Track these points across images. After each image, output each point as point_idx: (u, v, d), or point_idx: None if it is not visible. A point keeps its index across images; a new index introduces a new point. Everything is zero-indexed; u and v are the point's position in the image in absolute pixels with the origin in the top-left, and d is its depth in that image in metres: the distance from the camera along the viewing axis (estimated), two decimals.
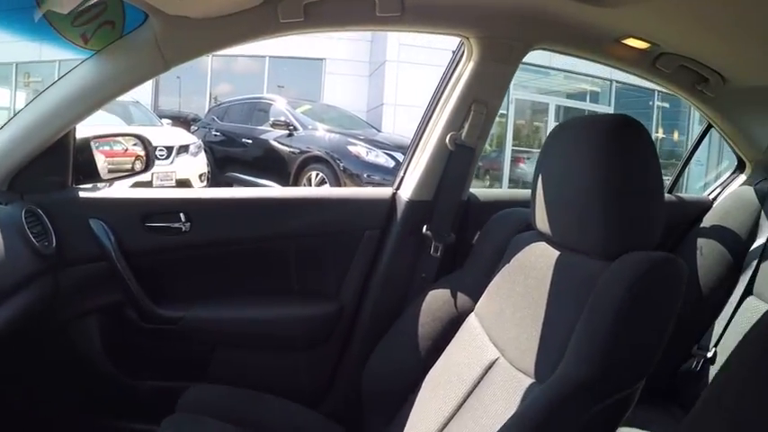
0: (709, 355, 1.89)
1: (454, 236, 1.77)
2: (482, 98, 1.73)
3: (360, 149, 6.98)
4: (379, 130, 8.83)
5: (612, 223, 1.08)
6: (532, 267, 1.27)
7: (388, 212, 1.82)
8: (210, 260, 1.72)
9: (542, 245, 1.29)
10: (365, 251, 1.79)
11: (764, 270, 1.89)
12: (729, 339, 1.88)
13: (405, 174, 1.87)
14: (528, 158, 11.74)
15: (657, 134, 12.42)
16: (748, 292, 1.91)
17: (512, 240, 1.41)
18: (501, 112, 1.85)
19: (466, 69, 1.73)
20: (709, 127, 2.14)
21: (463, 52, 1.74)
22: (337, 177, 6.86)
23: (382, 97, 11.33)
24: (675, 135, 12.79)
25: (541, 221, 1.25)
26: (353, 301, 1.80)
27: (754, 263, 1.91)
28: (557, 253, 1.23)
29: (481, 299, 1.41)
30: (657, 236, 1.11)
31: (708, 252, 2.00)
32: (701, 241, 2.04)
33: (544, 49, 1.76)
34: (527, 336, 1.18)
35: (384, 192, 1.87)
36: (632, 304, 0.99)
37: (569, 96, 12.65)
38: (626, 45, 1.69)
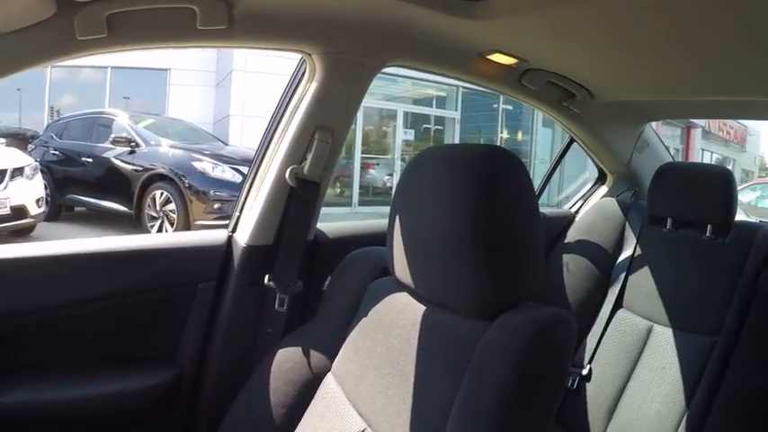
0: (585, 372, 1.84)
1: (301, 283, 1.51)
2: (327, 124, 1.48)
3: (205, 165, 6.61)
4: (225, 144, 8.45)
5: (486, 276, 0.91)
6: (395, 324, 1.07)
7: (224, 260, 1.53)
8: (12, 335, 1.33)
9: (404, 296, 1.08)
10: (201, 307, 1.49)
11: (633, 283, 1.88)
12: (603, 354, 1.85)
13: (240, 214, 1.58)
14: (377, 164, 11.83)
15: (502, 135, 13.07)
16: (618, 305, 1.89)
17: (369, 287, 1.19)
18: None
19: (308, 91, 1.46)
20: (571, 141, 2.11)
21: (304, 71, 1.46)
22: (183, 196, 6.38)
23: (229, 108, 10.80)
24: (519, 135, 13.52)
25: (401, 270, 1.04)
26: (192, 366, 1.49)
27: (622, 276, 1.90)
28: (422, 308, 1.04)
29: (338, 356, 1.18)
30: (538, 281, 0.96)
31: (574, 268, 1.96)
32: (566, 257, 1.99)
33: (399, 65, 1.56)
34: (396, 408, 0.98)
35: (218, 236, 1.56)
36: (520, 383, 0.83)
37: (416, 102, 12.81)
38: (491, 61, 1.57)
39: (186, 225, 6.20)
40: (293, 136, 1.47)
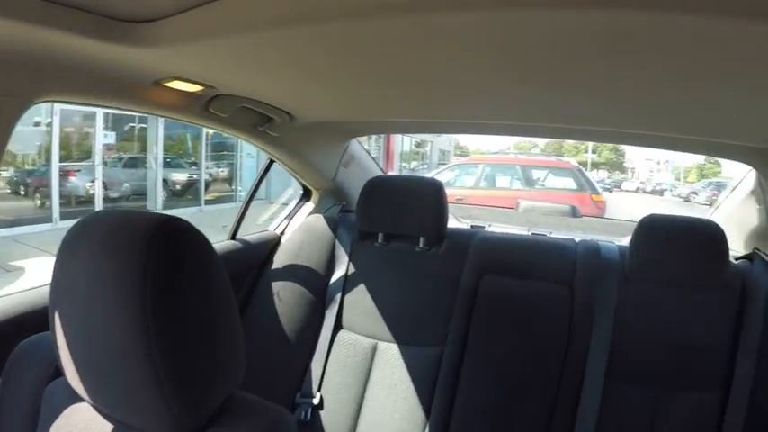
0: (316, 401, 1.73)
1: None
2: None
3: None
4: None
5: (172, 389, 0.70)
6: None
7: None
8: None
9: (86, 408, 0.82)
10: None
11: (350, 302, 1.81)
12: (332, 380, 1.75)
13: None
14: (78, 171, 10.38)
15: (209, 131, 12.07)
16: (338, 326, 1.81)
17: (44, 393, 0.88)
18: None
19: None
20: (271, 163, 1.94)
21: None
22: None
23: None
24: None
25: (73, 377, 0.78)
26: None
27: (338, 296, 1.82)
28: (109, 426, 0.79)
29: None
30: (242, 370, 0.80)
31: (286, 296, 1.82)
32: (276, 285, 1.84)
33: (55, 101, 1.22)
34: None
35: None
36: None
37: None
38: (171, 89, 1.32)
39: None
40: None
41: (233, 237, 1.87)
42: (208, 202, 11.08)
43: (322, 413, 1.74)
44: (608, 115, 1.36)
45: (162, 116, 1.48)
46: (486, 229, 2.09)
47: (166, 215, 0.75)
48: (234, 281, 1.67)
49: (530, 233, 2.14)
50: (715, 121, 1.27)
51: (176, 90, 1.33)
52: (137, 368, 0.68)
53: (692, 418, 1.51)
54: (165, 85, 1.29)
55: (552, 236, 1.98)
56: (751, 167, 1.65)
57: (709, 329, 1.55)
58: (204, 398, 0.73)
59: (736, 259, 1.65)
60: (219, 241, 1.82)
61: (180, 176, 11.05)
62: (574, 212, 2.83)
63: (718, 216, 1.87)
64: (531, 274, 1.70)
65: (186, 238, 0.74)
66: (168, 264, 0.70)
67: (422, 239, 1.78)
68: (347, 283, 1.82)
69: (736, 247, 1.66)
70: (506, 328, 1.65)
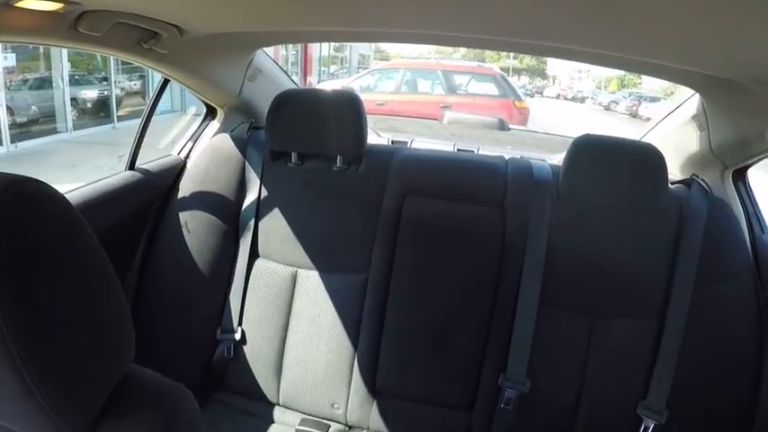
0: (237, 336, 1.61)
1: None
2: None
3: None
4: None
5: (42, 391, 0.56)
6: None
7: None
8: None
9: None
10: None
11: (265, 228, 1.65)
12: (252, 313, 1.63)
13: None
14: None
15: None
16: (254, 255, 1.66)
17: None
18: None
19: None
20: (166, 82, 1.68)
21: None
22: None
23: None
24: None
25: None
26: None
27: (251, 222, 1.65)
28: None
29: None
30: (131, 351, 0.67)
31: (195, 225, 1.64)
32: (183, 216, 1.65)
33: None
34: None
35: None
36: None
37: None
38: (24, 9, 1.05)
39: None
40: None
41: (131, 167, 1.64)
42: (121, 119, 10.30)
43: (245, 348, 1.62)
44: (552, 27, 1.18)
45: (26, 43, 1.22)
46: (408, 145, 1.95)
47: (15, 176, 0.57)
48: (137, 215, 1.46)
49: (455, 149, 2.02)
50: (667, 45, 1.14)
51: (32, 11, 1.07)
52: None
53: (626, 345, 1.47)
54: (17, 5, 1.03)
55: (480, 152, 1.86)
56: (695, 92, 1.54)
57: (644, 255, 1.49)
58: (89, 394, 0.60)
59: (672, 184, 1.58)
60: (116, 173, 1.60)
61: (90, 93, 10.22)
62: (502, 125, 2.68)
63: (652, 138, 1.79)
64: (458, 195, 1.58)
65: (40, 203, 0.57)
66: (14, 240, 0.53)
67: (339, 158, 1.62)
68: (261, 208, 1.65)
69: (673, 172, 1.59)
70: (434, 253, 1.55)
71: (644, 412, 1.44)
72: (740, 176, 1.63)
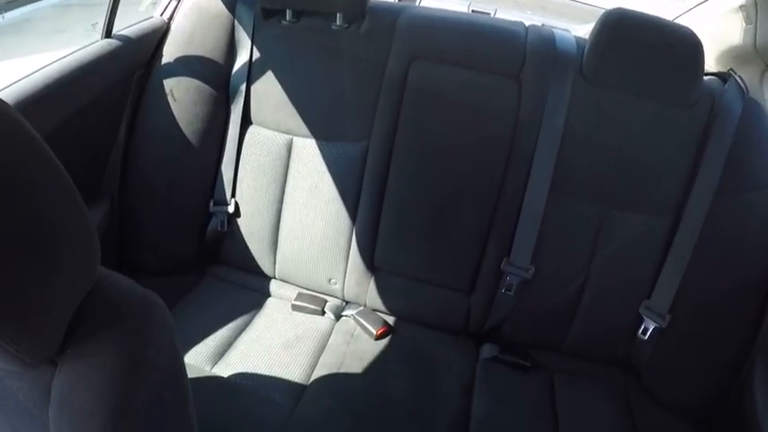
0: (231, 209, 1.53)
1: None
2: None
3: None
4: None
5: (7, 329, 0.52)
6: None
7: None
8: None
9: None
10: None
11: (257, 93, 1.51)
12: (246, 183, 1.54)
13: None
14: None
15: None
16: (247, 122, 1.53)
17: None
18: None
19: None
20: None
21: None
22: None
23: None
24: None
25: None
26: None
27: (243, 87, 1.50)
28: None
29: None
30: (97, 262, 0.60)
31: (181, 94, 1.49)
32: (168, 83, 1.49)
33: None
34: None
35: None
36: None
37: None
38: None
39: None
40: None
41: (108, 34, 1.46)
42: None
43: (239, 221, 1.54)
44: None
45: None
46: (417, 2, 1.75)
47: None
48: (118, 87, 1.32)
49: (470, 10, 1.82)
50: None
51: None
52: None
53: (637, 240, 1.38)
54: None
55: (497, 16, 1.67)
56: None
57: (667, 149, 1.36)
58: (48, 321, 0.55)
59: (706, 75, 1.40)
60: (91, 43, 1.42)
61: None
62: None
63: (690, 20, 1.58)
64: (471, 62, 1.42)
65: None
66: None
67: (339, 15, 1.44)
68: (252, 72, 1.49)
69: (708, 62, 1.39)
70: (441, 124, 1.42)
71: (646, 312, 1.38)
72: None
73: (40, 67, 1.26)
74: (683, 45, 1.30)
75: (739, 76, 1.39)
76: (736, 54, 1.47)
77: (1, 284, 0.49)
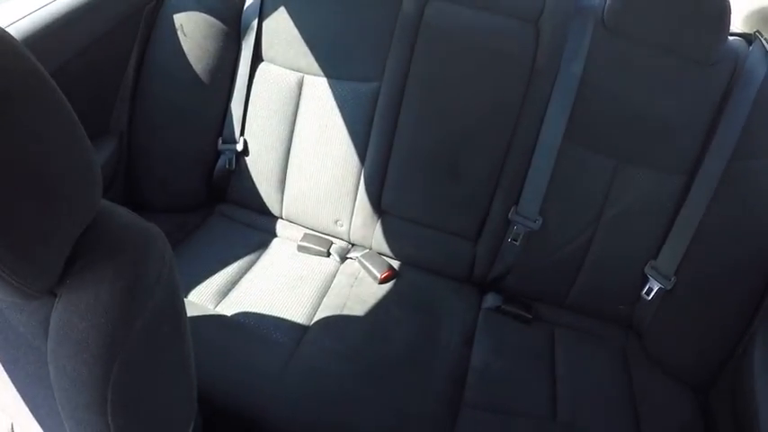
0: (239, 147, 1.51)
1: None
2: None
3: None
4: None
5: (8, 261, 0.52)
6: None
7: None
8: None
9: None
10: None
11: (269, 29, 1.46)
12: (255, 121, 1.51)
13: None
14: None
15: None
16: (258, 59, 1.49)
17: None
18: None
19: None
20: None
21: None
22: None
23: None
24: None
25: None
26: None
27: (255, 23, 1.46)
28: None
29: None
30: (98, 194, 0.61)
31: (192, 28, 1.44)
32: (178, 18, 1.44)
33: None
34: None
35: None
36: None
37: None
38: None
39: None
40: None
41: None
42: None
43: (248, 160, 1.53)
44: None
45: None
46: None
47: None
48: (127, 21, 1.28)
49: None
50: None
51: None
52: None
53: (647, 198, 1.34)
54: None
55: None
56: None
57: (686, 107, 1.30)
58: (49, 252, 0.55)
59: (731, 35, 1.34)
60: None
61: None
62: None
63: None
64: (488, 3, 1.37)
65: None
66: None
67: None
68: (265, 7, 1.45)
69: (735, 22, 1.33)
70: (455, 67, 1.37)
71: (651, 272, 1.35)
72: None
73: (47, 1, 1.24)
74: (710, 1, 1.24)
75: (766, 39, 1.32)
76: (764, 15, 1.39)
77: (1, 214, 0.49)
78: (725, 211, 1.29)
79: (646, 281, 1.37)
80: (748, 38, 1.36)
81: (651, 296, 1.36)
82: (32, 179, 0.51)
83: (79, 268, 0.58)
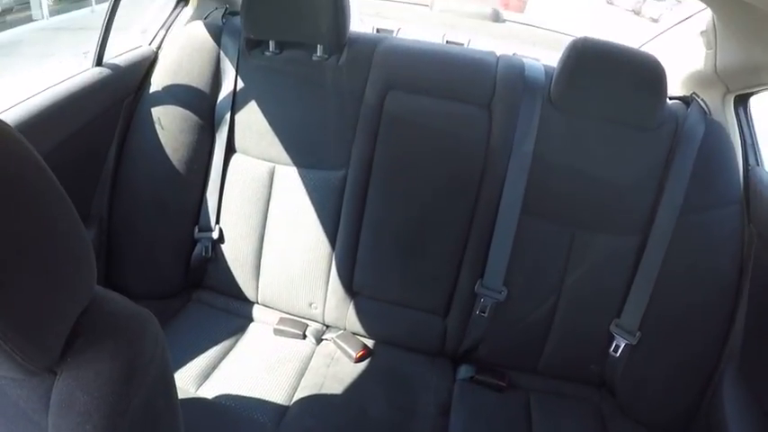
0: (215, 235, 1.56)
1: None
2: None
3: None
4: None
5: (12, 338, 0.55)
6: None
7: None
8: None
9: None
10: None
11: (241, 122, 1.54)
12: (230, 210, 1.57)
13: None
14: None
15: None
16: (231, 150, 1.56)
17: None
18: None
19: None
20: None
21: None
22: None
23: None
24: None
25: None
26: None
27: (227, 116, 1.53)
28: None
29: None
30: (93, 279, 0.63)
31: (168, 122, 1.51)
32: (156, 112, 1.52)
33: None
34: None
35: None
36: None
37: None
38: None
39: None
40: None
41: (99, 62, 1.49)
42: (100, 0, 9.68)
43: (224, 247, 1.57)
44: None
45: None
46: (394, 34, 1.80)
47: None
48: (108, 114, 1.35)
49: (444, 41, 1.87)
50: None
51: None
52: None
53: (606, 261, 1.43)
54: None
55: (471, 46, 1.71)
56: (707, 7, 1.38)
57: (633, 171, 1.40)
58: (50, 331, 0.58)
59: (670, 99, 1.47)
60: (82, 71, 1.46)
61: None
62: (496, 17, 2.46)
63: (655, 47, 1.65)
64: (444, 92, 1.47)
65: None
66: None
67: (319, 47, 1.48)
68: (237, 101, 1.53)
69: (672, 86, 1.46)
70: (416, 152, 1.46)
71: (616, 330, 1.42)
72: (742, 103, 1.49)
73: (35, 92, 1.30)
74: (647, 71, 1.35)
75: (702, 100, 1.44)
76: (698, 78, 1.52)
77: (9, 294, 0.52)
78: (682, 260, 1.37)
79: (612, 339, 1.43)
80: (686, 100, 1.48)
81: (619, 353, 1.42)
82: (36, 260, 0.55)
83: (79, 347, 0.61)
